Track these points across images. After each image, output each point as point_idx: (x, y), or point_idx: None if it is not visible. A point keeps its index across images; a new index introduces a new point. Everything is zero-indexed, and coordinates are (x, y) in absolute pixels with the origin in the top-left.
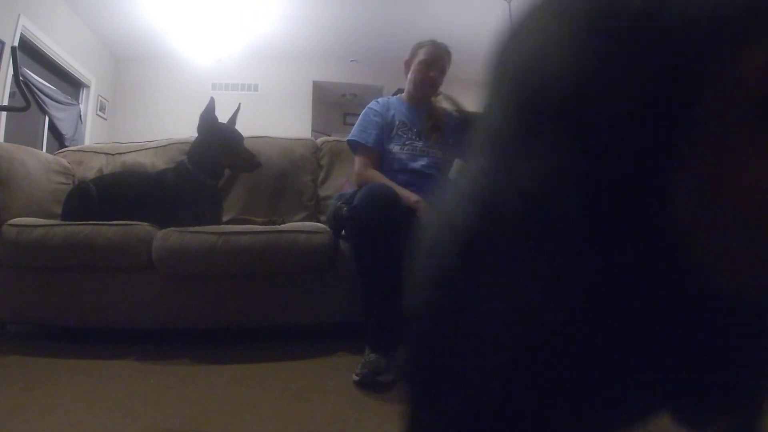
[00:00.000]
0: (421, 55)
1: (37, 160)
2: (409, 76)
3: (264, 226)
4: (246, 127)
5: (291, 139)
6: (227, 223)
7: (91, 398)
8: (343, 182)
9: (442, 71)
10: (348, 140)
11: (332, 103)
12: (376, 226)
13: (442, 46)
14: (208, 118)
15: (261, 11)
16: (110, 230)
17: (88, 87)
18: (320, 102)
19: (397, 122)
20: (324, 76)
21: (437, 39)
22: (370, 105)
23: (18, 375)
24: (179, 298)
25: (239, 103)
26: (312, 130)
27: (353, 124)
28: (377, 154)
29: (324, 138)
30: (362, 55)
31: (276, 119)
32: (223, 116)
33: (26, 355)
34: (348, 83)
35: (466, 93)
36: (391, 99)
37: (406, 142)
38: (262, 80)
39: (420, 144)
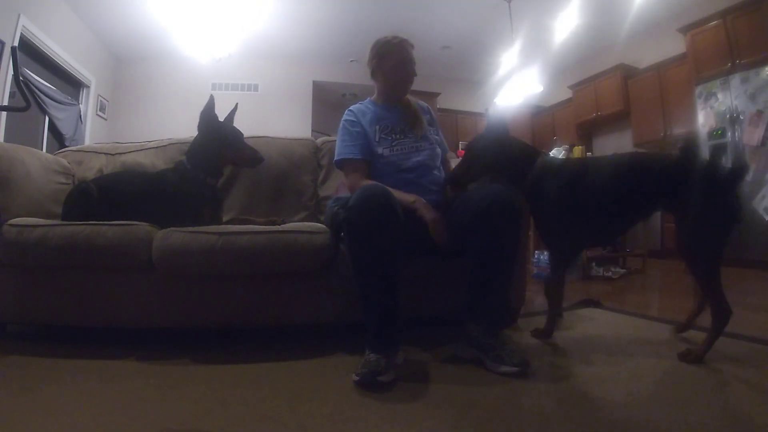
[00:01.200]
0: (394, 57)
1: (37, 160)
2: (384, 79)
3: (264, 226)
4: (246, 127)
5: (291, 139)
6: (227, 223)
7: (91, 398)
8: (337, 185)
9: (414, 63)
10: (336, 161)
11: (332, 103)
12: (371, 227)
13: (407, 41)
14: (208, 116)
15: (261, 11)
16: (110, 230)
17: (88, 87)
18: (320, 102)
19: (377, 126)
20: (324, 76)
21: (397, 35)
22: (345, 117)
23: (18, 375)
24: (179, 298)
25: (236, 103)
26: (312, 130)
27: None
28: (367, 164)
29: (324, 138)
30: (362, 55)
31: (276, 119)
32: (222, 116)
33: (26, 355)
34: (348, 83)
35: (465, 93)
36: (363, 104)
37: (394, 143)
38: (262, 80)
39: (408, 141)
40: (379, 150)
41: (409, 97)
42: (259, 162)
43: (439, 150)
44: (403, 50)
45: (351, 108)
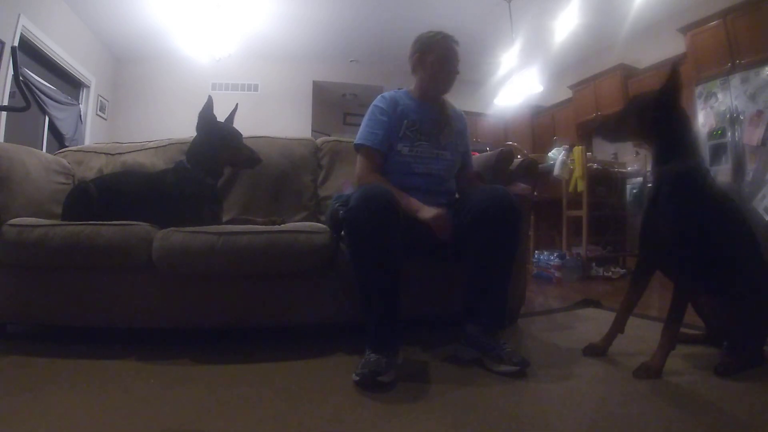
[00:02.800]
0: (438, 51)
1: (37, 160)
2: (425, 74)
3: (264, 226)
4: (246, 127)
5: (291, 139)
6: (227, 223)
7: (91, 398)
8: (342, 183)
9: (458, 60)
10: (354, 144)
11: (332, 103)
12: (371, 228)
13: (451, 37)
14: (206, 117)
15: (261, 11)
16: (110, 230)
17: (88, 87)
18: (320, 102)
19: (406, 121)
20: (324, 76)
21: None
22: (375, 102)
23: (18, 375)
24: (179, 298)
25: (236, 104)
26: (312, 130)
27: (353, 124)
28: (382, 155)
29: (324, 138)
30: (362, 55)
31: (276, 119)
32: (222, 116)
33: (26, 355)
34: (348, 83)
35: (465, 93)
36: (398, 93)
37: (416, 144)
38: (262, 80)
39: (429, 146)
40: (399, 146)
41: (448, 100)
42: (257, 163)
43: (458, 163)
44: (446, 45)
45: (384, 94)
